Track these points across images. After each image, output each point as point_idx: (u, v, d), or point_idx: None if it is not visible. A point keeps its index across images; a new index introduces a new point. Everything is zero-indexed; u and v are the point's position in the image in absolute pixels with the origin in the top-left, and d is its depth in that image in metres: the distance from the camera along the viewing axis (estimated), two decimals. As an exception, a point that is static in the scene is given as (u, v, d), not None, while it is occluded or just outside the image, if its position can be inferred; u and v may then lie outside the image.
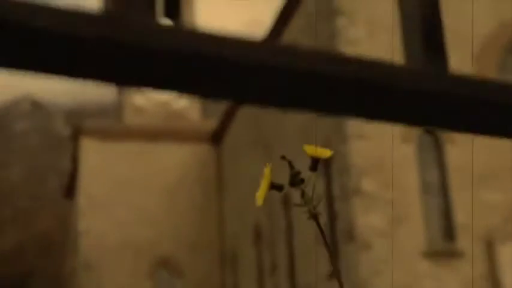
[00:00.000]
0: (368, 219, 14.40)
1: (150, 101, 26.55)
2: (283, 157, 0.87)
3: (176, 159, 24.15)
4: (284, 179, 0.93)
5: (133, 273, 22.89)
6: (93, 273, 22.67)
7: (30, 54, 0.35)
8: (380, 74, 0.39)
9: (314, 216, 0.84)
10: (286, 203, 18.45)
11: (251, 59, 0.42)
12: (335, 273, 0.92)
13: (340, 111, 0.39)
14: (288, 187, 0.90)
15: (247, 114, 22.15)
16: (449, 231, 15.00)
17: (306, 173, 0.92)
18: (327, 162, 15.76)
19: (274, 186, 0.86)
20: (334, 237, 15.05)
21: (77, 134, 24.75)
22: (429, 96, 0.42)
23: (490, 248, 14.59)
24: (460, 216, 14.87)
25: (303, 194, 0.85)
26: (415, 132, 15.48)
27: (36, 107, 46.83)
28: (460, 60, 15.55)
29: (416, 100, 0.42)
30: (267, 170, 0.86)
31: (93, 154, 24.02)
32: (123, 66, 0.37)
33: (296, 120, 17.86)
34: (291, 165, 0.87)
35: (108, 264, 22.82)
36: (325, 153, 0.86)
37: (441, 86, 0.42)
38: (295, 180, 0.86)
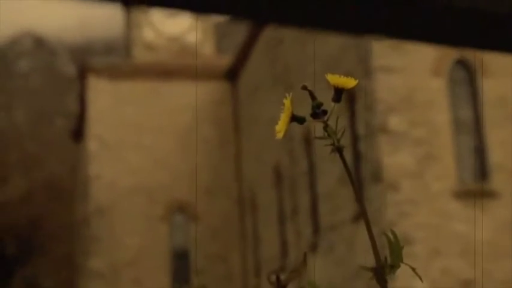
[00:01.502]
0: (395, 159, 14.42)
1: (161, 36, 26.41)
2: (304, 87, 0.87)
3: (190, 98, 24.17)
4: (305, 115, 0.92)
5: (147, 217, 23.24)
6: (105, 219, 23.05)
7: None
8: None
9: (338, 150, 0.84)
10: (308, 143, 18.48)
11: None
12: (361, 212, 0.93)
13: (378, 30, 0.38)
14: (310, 120, 0.89)
15: (264, 49, 22.00)
16: (482, 170, 15.00)
17: (328, 108, 0.92)
18: (351, 98, 15.69)
19: (295, 118, 0.86)
20: (359, 178, 15.12)
21: (83, 73, 24.77)
22: (468, 13, 0.42)
23: (526, 187, 14.59)
24: (495, 154, 14.83)
25: (326, 126, 0.85)
26: (446, 64, 15.31)
27: (39, 44, 46.75)
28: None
29: (453, 18, 0.42)
30: (287, 102, 0.86)
31: (101, 94, 24.09)
32: None
33: (318, 56, 17.72)
34: (312, 96, 0.87)
35: (121, 209, 23.16)
36: (349, 82, 0.86)
37: (479, 2, 0.41)
38: (318, 111, 0.86)
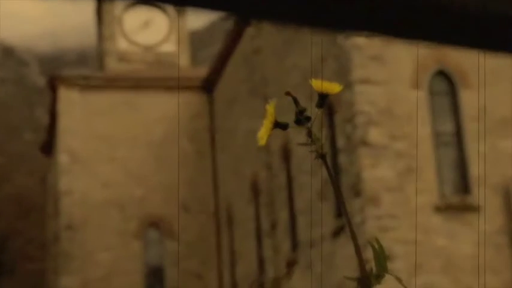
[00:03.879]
0: (375, 172, 14.48)
1: (134, 46, 26.35)
2: (288, 93, 0.87)
3: (164, 110, 24.11)
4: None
5: (120, 233, 23.08)
6: (76, 235, 22.85)
7: None
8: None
9: (322, 156, 0.84)
10: (286, 156, 18.51)
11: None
12: (347, 223, 0.93)
13: (367, 27, 0.38)
14: (292, 126, 0.89)
15: (241, 60, 22.03)
16: (463, 183, 15.10)
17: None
18: (330, 110, 15.75)
19: (278, 125, 0.86)
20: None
21: (54, 84, 24.62)
22: (463, 13, 0.42)
23: (507, 200, 14.72)
24: (476, 167, 14.95)
25: (309, 133, 0.85)
26: (426, 76, 15.43)
27: (7, 54, 46.48)
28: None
29: (447, 17, 0.42)
30: (270, 108, 0.86)
31: (73, 106, 23.95)
32: None
33: (296, 67, 17.79)
34: (296, 102, 0.87)
35: (93, 224, 22.99)
36: (334, 88, 0.86)
37: (476, 2, 0.42)
38: (301, 117, 0.86)
